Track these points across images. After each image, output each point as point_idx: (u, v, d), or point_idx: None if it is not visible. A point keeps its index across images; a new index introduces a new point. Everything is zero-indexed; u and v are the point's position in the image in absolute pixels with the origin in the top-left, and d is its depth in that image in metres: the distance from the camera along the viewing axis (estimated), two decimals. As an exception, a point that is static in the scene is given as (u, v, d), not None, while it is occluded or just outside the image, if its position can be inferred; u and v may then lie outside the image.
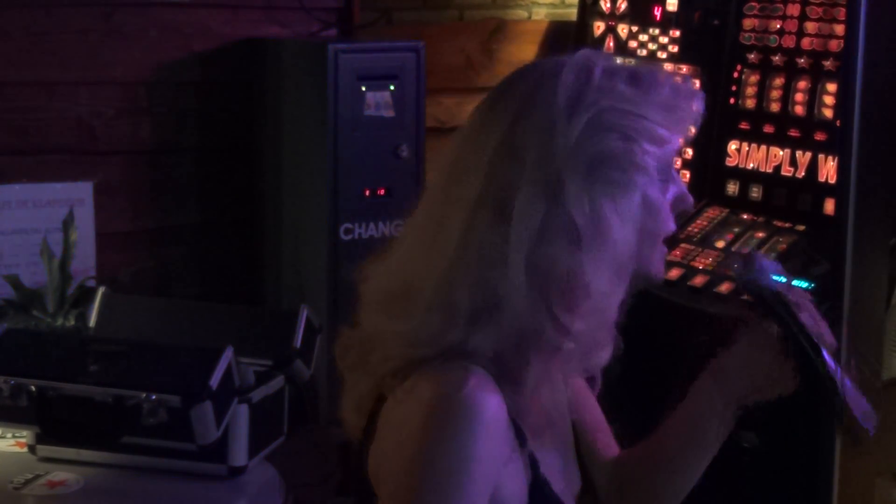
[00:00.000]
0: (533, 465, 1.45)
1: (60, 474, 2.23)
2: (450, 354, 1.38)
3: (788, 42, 2.94)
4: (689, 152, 3.15)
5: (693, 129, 1.47)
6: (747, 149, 3.01)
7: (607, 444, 1.72)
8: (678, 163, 3.18)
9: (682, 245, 3.00)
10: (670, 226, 1.48)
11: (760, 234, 2.91)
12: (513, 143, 1.39)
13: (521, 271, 1.36)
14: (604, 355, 1.48)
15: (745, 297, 1.57)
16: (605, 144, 1.38)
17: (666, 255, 1.51)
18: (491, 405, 1.36)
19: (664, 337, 2.70)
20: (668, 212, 1.47)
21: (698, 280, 2.90)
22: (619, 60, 1.48)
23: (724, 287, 2.84)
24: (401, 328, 1.41)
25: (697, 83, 1.53)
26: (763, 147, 2.98)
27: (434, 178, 1.49)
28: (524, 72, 1.47)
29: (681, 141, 1.46)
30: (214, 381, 2.15)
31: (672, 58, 3.20)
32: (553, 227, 1.36)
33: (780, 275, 1.52)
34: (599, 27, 3.45)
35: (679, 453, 1.63)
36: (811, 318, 1.51)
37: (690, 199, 1.50)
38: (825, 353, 1.50)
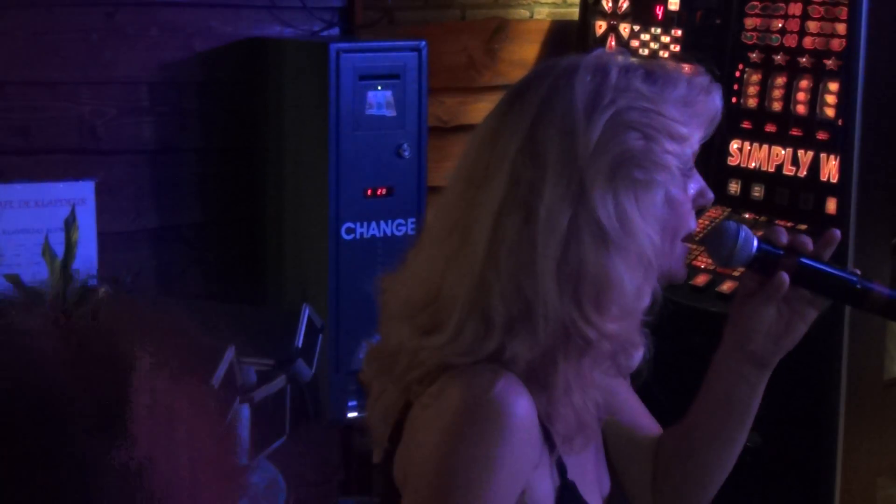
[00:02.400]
0: (560, 470, 1.44)
1: (62, 474, 2.22)
2: (484, 361, 1.37)
3: (790, 41, 2.94)
4: (691, 152, 3.15)
5: (712, 124, 1.46)
6: (749, 148, 3.01)
7: (652, 429, 1.69)
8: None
9: (684, 244, 3.00)
10: (691, 223, 1.47)
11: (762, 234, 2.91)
12: (534, 146, 1.38)
13: (551, 275, 1.35)
14: (637, 356, 1.46)
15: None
16: (626, 144, 1.38)
17: (687, 254, 1.50)
18: (520, 408, 1.34)
19: (665, 336, 2.70)
20: (689, 209, 1.46)
21: (700, 279, 2.90)
22: (632, 59, 1.46)
23: (726, 286, 2.84)
24: (435, 340, 1.39)
25: (713, 80, 1.51)
26: (765, 146, 2.98)
27: (451, 184, 1.47)
28: (540, 74, 1.46)
29: (700, 137, 1.45)
30: (216, 380, 2.15)
31: (674, 57, 3.20)
32: (580, 229, 1.36)
33: (749, 234, 1.51)
34: (601, 26, 3.45)
35: (717, 430, 1.60)
36: (807, 240, 1.50)
37: (711, 194, 1.49)
38: (835, 266, 1.50)
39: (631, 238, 1.37)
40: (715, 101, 1.46)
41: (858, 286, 1.49)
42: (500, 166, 1.39)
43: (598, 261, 1.36)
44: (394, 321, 1.47)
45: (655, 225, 1.39)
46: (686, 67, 1.49)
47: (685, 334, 2.42)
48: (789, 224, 2.89)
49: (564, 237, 1.35)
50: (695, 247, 3.01)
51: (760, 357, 1.54)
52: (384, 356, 1.47)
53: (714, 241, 1.52)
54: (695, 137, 1.44)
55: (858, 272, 1.51)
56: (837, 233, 1.51)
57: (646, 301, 1.42)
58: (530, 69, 1.52)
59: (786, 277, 1.48)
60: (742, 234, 1.50)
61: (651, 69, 1.44)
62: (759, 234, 1.53)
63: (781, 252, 1.50)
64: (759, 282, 1.51)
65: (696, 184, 1.47)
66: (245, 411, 2.23)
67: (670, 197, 1.42)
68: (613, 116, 1.38)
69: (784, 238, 1.51)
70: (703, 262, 2.95)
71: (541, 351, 1.37)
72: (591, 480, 1.54)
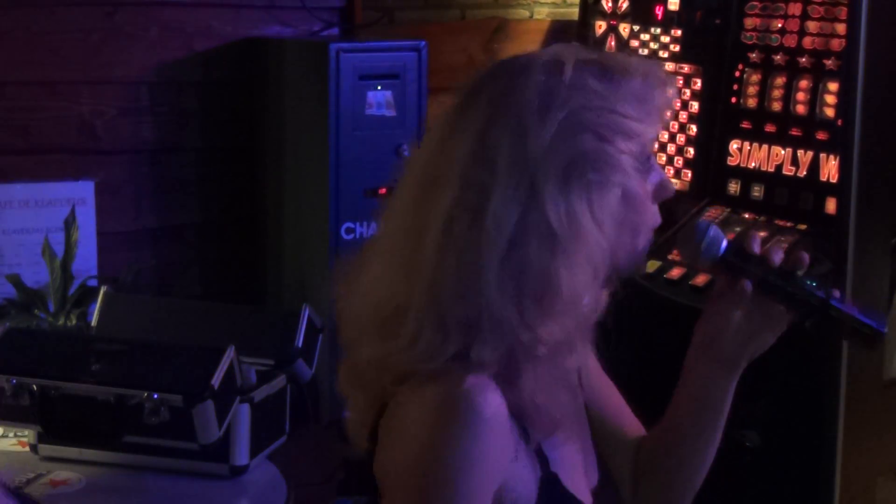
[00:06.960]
0: (542, 461, 1.45)
1: (62, 473, 2.23)
2: (451, 362, 1.38)
3: (790, 41, 2.95)
4: (691, 152, 3.15)
5: (667, 117, 1.45)
6: (749, 148, 3.02)
7: (633, 427, 1.70)
8: (679, 162, 3.18)
9: (684, 244, 3.00)
10: (654, 218, 1.46)
11: (762, 234, 2.91)
12: (485, 147, 1.37)
13: (494, 277, 1.34)
14: (580, 357, 1.48)
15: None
16: (580, 146, 1.36)
17: (650, 245, 1.48)
18: (491, 402, 1.35)
19: (666, 336, 2.70)
20: (650, 204, 1.45)
21: (700, 279, 2.90)
22: (587, 54, 1.44)
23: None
24: (397, 346, 1.40)
25: (667, 71, 1.50)
26: (765, 146, 2.98)
27: (403, 187, 1.45)
28: (494, 72, 1.45)
29: (656, 130, 1.44)
30: (216, 380, 2.15)
31: (673, 57, 3.20)
32: (527, 231, 1.35)
33: (718, 236, 1.50)
34: (601, 26, 3.45)
35: (691, 429, 1.61)
36: (777, 254, 1.49)
37: (672, 187, 1.47)
38: (805, 281, 1.47)
39: (579, 241, 1.36)
40: (669, 93, 1.44)
41: (820, 307, 1.45)
42: (452, 169, 1.38)
43: (543, 263, 1.35)
44: (356, 331, 1.47)
45: (609, 225, 1.39)
46: (641, 58, 1.48)
47: (684, 334, 2.42)
48: (789, 224, 2.89)
49: (510, 238, 1.34)
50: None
51: (727, 359, 1.54)
52: (356, 368, 1.49)
53: (683, 237, 1.51)
54: (650, 132, 1.42)
55: (837, 294, 1.47)
56: (806, 256, 1.49)
57: (588, 303, 1.41)
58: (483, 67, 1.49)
59: (748, 286, 1.48)
60: (710, 234, 1.49)
61: (606, 64, 1.42)
62: (731, 236, 1.52)
63: (748, 261, 1.49)
64: (729, 284, 1.51)
65: (656, 176, 1.45)
66: (245, 411, 2.23)
67: (628, 194, 1.40)
68: (567, 117, 1.37)
69: (756, 247, 1.50)
70: (702, 262, 2.95)
71: (503, 352, 1.37)
72: (579, 473, 1.54)
